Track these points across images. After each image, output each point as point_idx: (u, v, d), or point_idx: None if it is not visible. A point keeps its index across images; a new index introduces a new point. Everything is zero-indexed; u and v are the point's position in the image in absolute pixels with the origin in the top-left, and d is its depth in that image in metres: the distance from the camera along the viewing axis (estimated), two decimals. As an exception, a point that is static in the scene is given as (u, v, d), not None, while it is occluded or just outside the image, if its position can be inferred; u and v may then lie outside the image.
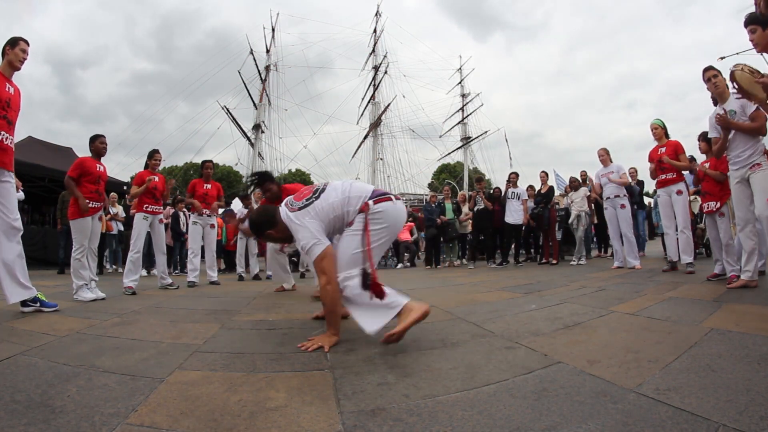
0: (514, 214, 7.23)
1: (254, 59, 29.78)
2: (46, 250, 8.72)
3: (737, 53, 2.97)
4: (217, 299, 3.83)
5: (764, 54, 2.59)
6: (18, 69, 2.79)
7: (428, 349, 1.84)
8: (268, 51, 30.55)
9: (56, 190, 8.53)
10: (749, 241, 3.06)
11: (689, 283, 3.53)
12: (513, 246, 7.86)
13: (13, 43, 2.76)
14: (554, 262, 6.91)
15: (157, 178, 4.78)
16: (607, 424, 1.05)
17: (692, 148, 4.61)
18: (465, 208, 8.27)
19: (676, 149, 4.42)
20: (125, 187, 9.55)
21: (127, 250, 4.69)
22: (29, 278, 2.79)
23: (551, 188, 7.55)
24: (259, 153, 28.87)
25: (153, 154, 4.84)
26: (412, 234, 9.85)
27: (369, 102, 32.01)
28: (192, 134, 60.09)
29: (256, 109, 29.49)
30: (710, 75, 3.20)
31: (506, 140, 30.80)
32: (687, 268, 4.30)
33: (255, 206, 5.31)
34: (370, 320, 1.84)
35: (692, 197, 5.30)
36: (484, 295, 3.57)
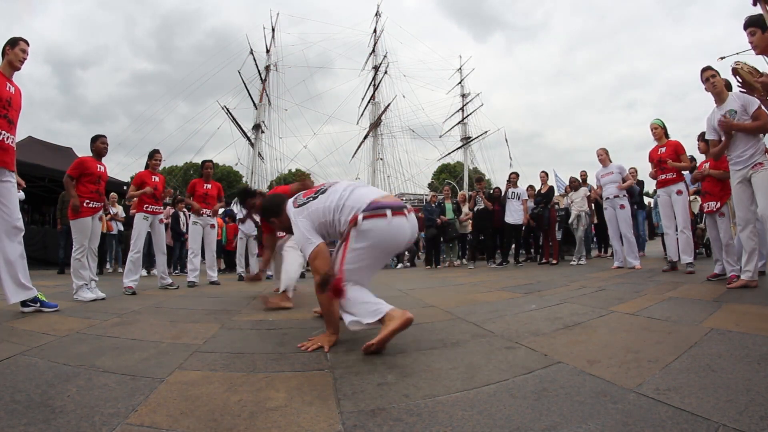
0: (514, 214, 7.24)
1: (254, 59, 29.81)
2: (46, 250, 8.72)
3: (737, 53, 2.97)
4: (217, 299, 3.83)
5: (764, 56, 2.59)
6: (18, 69, 2.79)
7: (428, 349, 1.84)
8: (268, 51, 30.55)
9: (56, 190, 8.53)
10: (750, 242, 3.06)
11: (689, 283, 3.53)
12: (513, 246, 7.86)
13: (13, 43, 2.76)
14: (554, 262, 6.91)
15: (157, 179, 4.79)
16: (607, 424, 1.05)
17: (692, 148, 4.61)
18: (465, 208, 8.27)
19: (676, 149, 4.42)
20: (125, 187, 9.55)
21: (127, 250, 4.70)
22: (30, 278, 2.79)
23: (551, 188, 7.56)
24: (259, 153, 28.88)
25: (153, 154, 4.85)
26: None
27: (369, 102, 32.04)
28: (192, 134, 60.13)
29: (256, 109, 29.49)
30: (708, 75, 3.20)
31: (506, 140, 30.81)
32: (687, 268, 4.30)
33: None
34: (351, 315, 1.83)
35: (692, 197, 5.30)
36: (484, 295, 3.57)
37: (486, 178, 26.90)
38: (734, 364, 1.41)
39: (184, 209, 7.71)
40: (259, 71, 29.87)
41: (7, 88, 2.71)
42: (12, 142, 2.76)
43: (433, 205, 8.27)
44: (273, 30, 30.75)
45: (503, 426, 1.07)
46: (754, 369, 1.36)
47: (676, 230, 4.43)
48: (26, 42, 2.82)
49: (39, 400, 1.28)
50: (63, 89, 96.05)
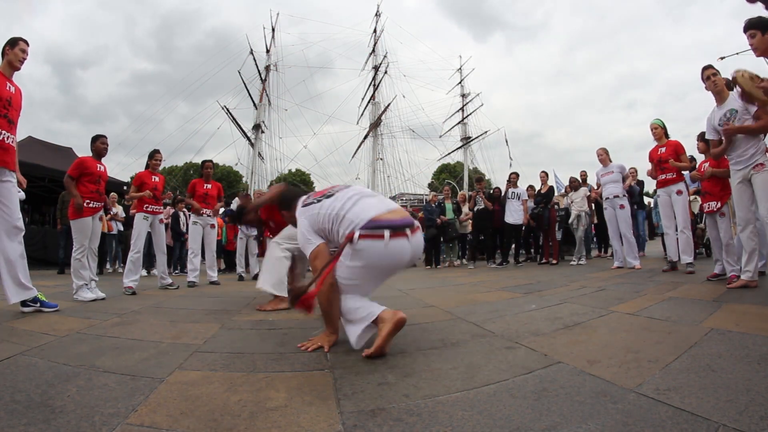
0: (514, 214, 7.24)
1: (254, 59, 29.77)
2: (46, 250, 8.72)
3: (737, 53, 2.98)
4: (217, 299, 3.83)
5: (765, 58, 2.58)
6: (18, 69, 2.80)
7: (428, 349, 1.84)
8: (268, 51, 30.51)
9: (56, 190, 8.53)
10: (750, 242, 3.06)
11: (689, 283, 3.53)
12: (513, 246, 7.86)
13: (13, 43, 2.76)
14: (554, 262, 6.91)
15: (157, 179, 4.79)
16: (607, 424, 1.05)
17: (692, 148, 4.61)
18: (465, 208, 8.27)
19: (676, 149, 4.42)
20: (125, 187, 9.55)
21: (127, 250, 4.70)
22: (30, 278, 2.79)
23: (551, 188, 7.56)
24: (259, 153, 28.85)
25: (153, 155, 4.86)
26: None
27: (369, 102, 31.99)
28: (192, 134, 60.16)
29: (256, 109, 29.45)
30: (709, 73, 3.19)
31: (506, 140, 30.73)
32: (687, 268, 4.30)
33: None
34: (351, 332, 1.82)
35: (692, 197, 5.31)
36: (484, 295, 3.57)
37: (486, 178, 26.87)
38: (734, 364, 1.41)
39: (184, 209, 7.71)
40: (259, 71, 29.86)
41: (7, 88, 2.71)
42: (12, 142, 2.76)
43: (433, 205, 8.26)
44: (273, 30, 30.73)
45: (503, 426, 1.07)
46: (754, 369, 1.36)
47: (676, 230, 4.43)
48: (26, 42, 2.82)
49: (39, 400, 1.28)
50: (63, 89, 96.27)
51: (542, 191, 7.34)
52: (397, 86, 35.80)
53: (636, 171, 7.27)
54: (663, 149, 4.49)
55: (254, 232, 6.59)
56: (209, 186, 5.52)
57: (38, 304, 2.80)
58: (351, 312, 1.83)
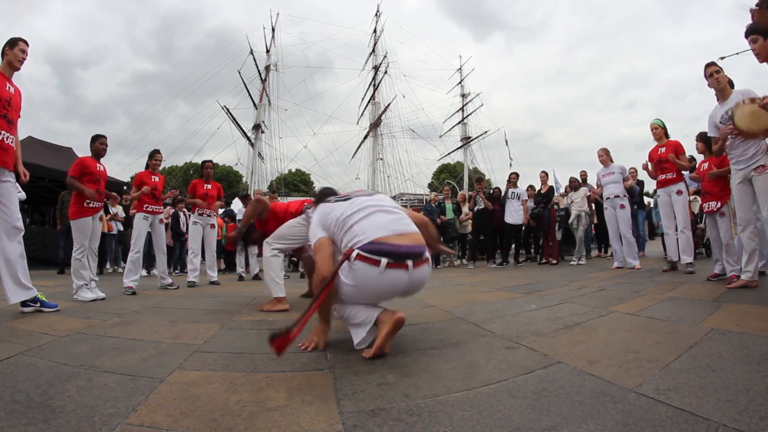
0: (514, 214, 7.24)
1: (254, 59, 29.76)
2: (46, 250, 8.72)
3: (737, 53, 2.97)
4: (217, 299, 3.83)
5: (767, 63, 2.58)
6: (17, 69, 2.80)
7: (428, 349, 1.84)
8: (268, 51, 30.51)
9: (56, 190, 8.53)
10: (750, 242, 3.06)
11: (689, 283, 3.53)
12: (513, 246, 7.86)
13: (13, 43, 2.76)
14: (554, 262, 6.91)
15: (157, 179, 4.79)
16: (607, 424, 1.05)
17: (692, 149, 4.61)
18: (465, 208, 8.27)
19: (676, 149, 4.42)
20: (125, 187, 9.55)
21: (127, 250, 4.70)
22: (30, 278, 2.79)
23: (551, 188, 7.57)
24: (259, 153, 28.84)
25: (153, 155, 4.86)
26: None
27: (369, 102, 31.98)
28: (192, 134, 59.96)
29: (256, 109, 29.44)
30: (712, 70, 3.19)
31: (506, 140, 30.72)
32: (687, 268, 4.30)
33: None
34: (354, 335, 1.84)
35: (692, 197, 5.31)
36: (484, 295, 3.57)
37: (486, 178, 26.86)
38: (734, 364, 1.41)
39: (184, 209, 7.71)
40: (259, 71, 29.86)
41: (7, 88, 2.71)
42: (12, 142, 2.76)
43: (433, 205, 8.27)
44: (273, 30, 30.73)
45: (503, 426, 1.07)
46: (754, 369, 1.36)
47: (676, 230, 4.43)
48: (25, 42, 2.82)
49: (39, 400, 1.28)
50: (63, 89, 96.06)
51: (542, 191, 7.34)
52: (397, 86, 35.78)
53: (636, 171, 7.27)
54: (663, 149, 4.49)
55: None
56: (209, 186, 5.53)
57: (38, 304, 2.80)
58: (352, 316, 1.83)
